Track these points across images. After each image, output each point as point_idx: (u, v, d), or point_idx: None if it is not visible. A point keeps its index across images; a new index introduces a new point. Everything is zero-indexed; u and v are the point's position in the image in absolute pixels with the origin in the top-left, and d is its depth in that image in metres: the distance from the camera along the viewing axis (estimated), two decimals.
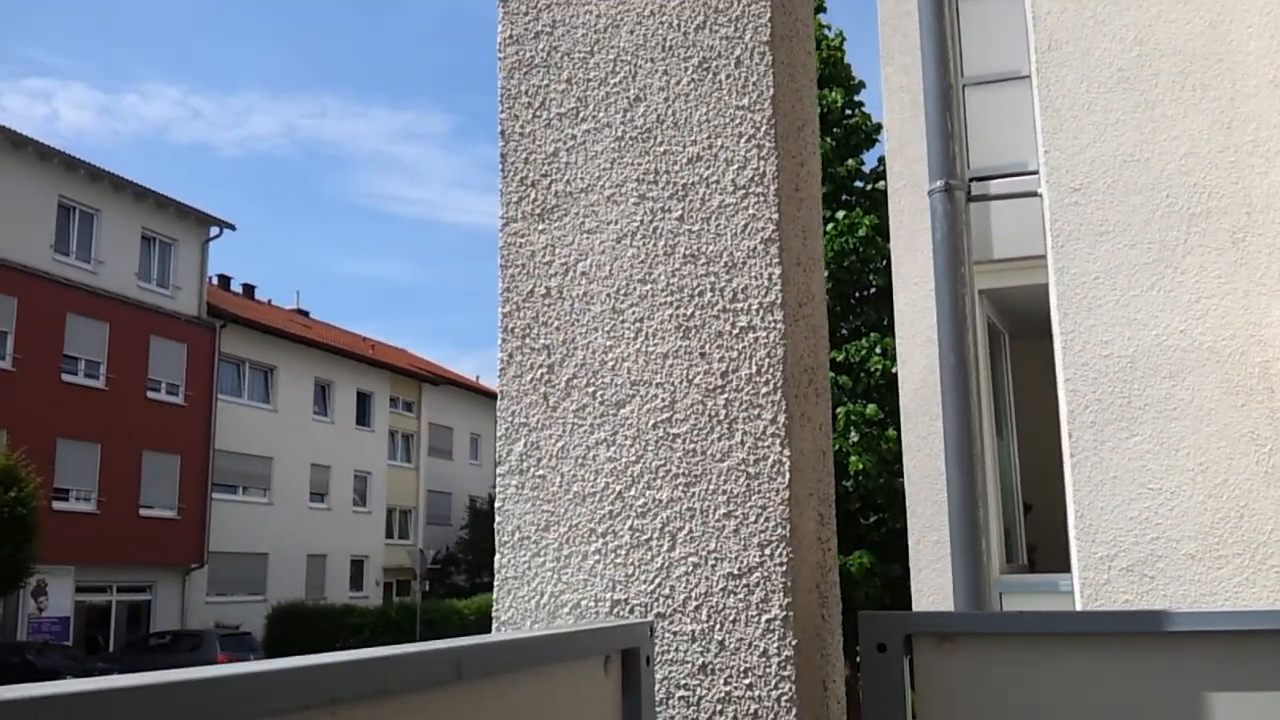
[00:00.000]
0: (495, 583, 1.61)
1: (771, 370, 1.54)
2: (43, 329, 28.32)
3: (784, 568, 1.48)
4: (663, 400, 1.57)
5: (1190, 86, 4.45)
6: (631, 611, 1.53)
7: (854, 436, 16.19)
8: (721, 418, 1.54)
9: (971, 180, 4.82)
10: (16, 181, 28.32)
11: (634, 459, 1.56)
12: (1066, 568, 4.81)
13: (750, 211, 1.57)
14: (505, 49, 1.73)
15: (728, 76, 1.62)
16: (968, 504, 4.34)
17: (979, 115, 7.10)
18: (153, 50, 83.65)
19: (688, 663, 1.49)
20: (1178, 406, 4.23)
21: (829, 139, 18.14)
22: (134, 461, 30.67)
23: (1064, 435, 4.40)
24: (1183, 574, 4.10)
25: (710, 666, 1.48)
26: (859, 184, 19.30)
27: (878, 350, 17.10)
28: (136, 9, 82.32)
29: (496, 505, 1.63)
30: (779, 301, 1.55)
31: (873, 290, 18.40)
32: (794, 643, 1.46)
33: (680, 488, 1.54)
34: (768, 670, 1.46)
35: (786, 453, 1.51)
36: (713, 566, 1.51)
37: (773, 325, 1.54)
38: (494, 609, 1.61)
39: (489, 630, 1.55)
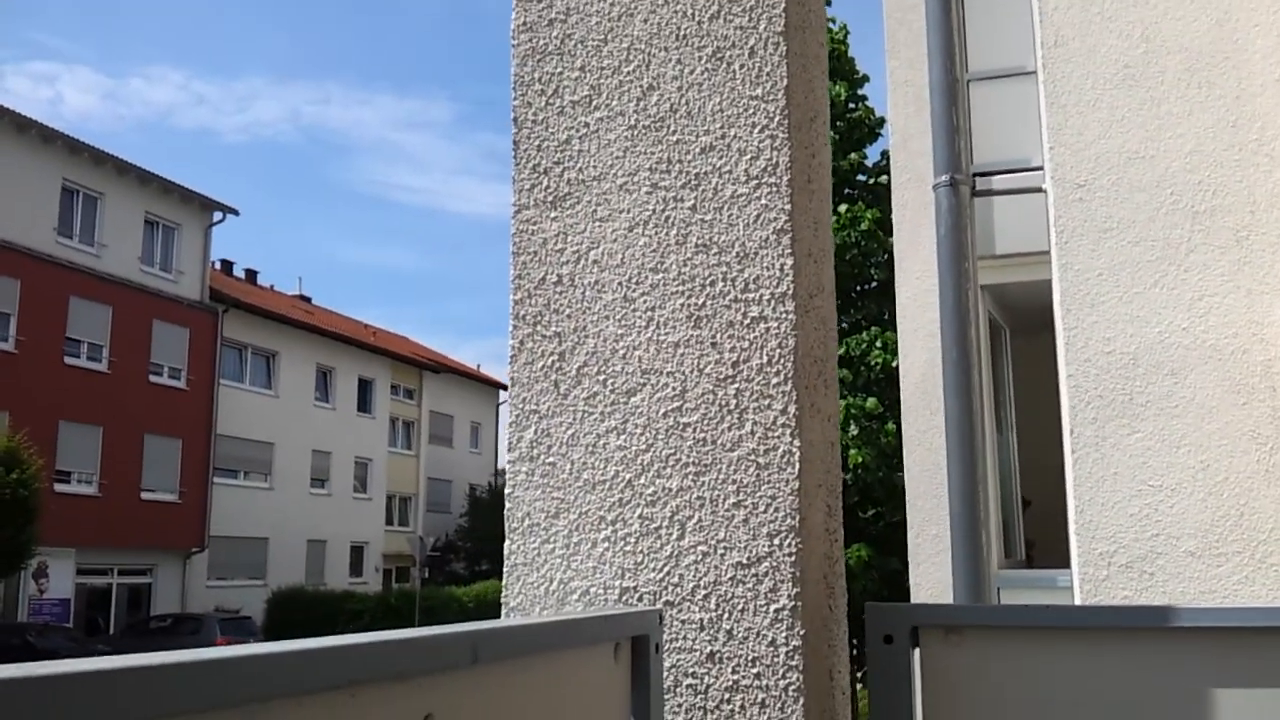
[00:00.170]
0: (504, 569, 1.62)
1: (782, 361, 1.54)
2: (45, 312, 28.33)
3: (793, 558, 1.49)
4: (673, 389, 1.57)
5: (1196, 84, 4.45)
6: (640, 599, 1.54)
7: (854, 430, 16.21)
8: (732, 407, 1.55)
9: (975, 176, 4.82)
10: (20, 164, 28.30)
11: (644, 447, 1.57)
12: (1064, 563, 4.82)
13: (763, 202, 1.58)
14: (519, 36, 1.73)
15: (741, 66, 1.62)
16: (968, 498, 4.34)
17: (982, 110, 7.10)
18: (157, 35, 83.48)
19: (696, 651, 1.50)
20: (1179, 404, 4.24)
21: (832, 133, 18.09)
22: (136, 445, 30.71)
23: (1065, 431, 4.41)
24: (1182, 571, 4.11)
25: (718, 655, 1.49)
26: (861, 178, 19.28)
27: (878, 344, 17.10)
28: None
29: (506, 492, 1.64)
30: (790, 292, 1.55)
31: (874, 284, 18.39)
32: (802, 633, 1.47)
33: (690, 477, 1.54)
34: (775, 659, 1.47)
35: (797, 443, 1.52)
36: (722, 555, 1.52)
37: (784, 316, 1.55)
38: (503, 595, 1.62)
39: (488, 618, 1.56)
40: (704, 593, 1.51)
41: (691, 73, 1.64)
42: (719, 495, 1.53)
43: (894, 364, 13.64)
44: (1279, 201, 4.27)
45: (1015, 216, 7.11)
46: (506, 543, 1.62)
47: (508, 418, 1.66)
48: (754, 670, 1.47)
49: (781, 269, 1.56)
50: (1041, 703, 1.27)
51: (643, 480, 1.56)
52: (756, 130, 1.60)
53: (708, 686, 1.48)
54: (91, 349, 30.01)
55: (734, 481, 1.53)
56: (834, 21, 19.05)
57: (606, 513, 1.57)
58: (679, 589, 1.52)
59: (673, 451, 1.56)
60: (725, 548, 1.52)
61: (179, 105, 79.86)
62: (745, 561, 1.51)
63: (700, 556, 1.52)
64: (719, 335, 1.57)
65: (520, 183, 1.70)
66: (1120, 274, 4.40)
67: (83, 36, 76.42)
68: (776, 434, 1.53)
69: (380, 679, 0.81)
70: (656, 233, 1.62)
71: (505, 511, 1.63)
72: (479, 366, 50.88)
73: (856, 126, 19.13)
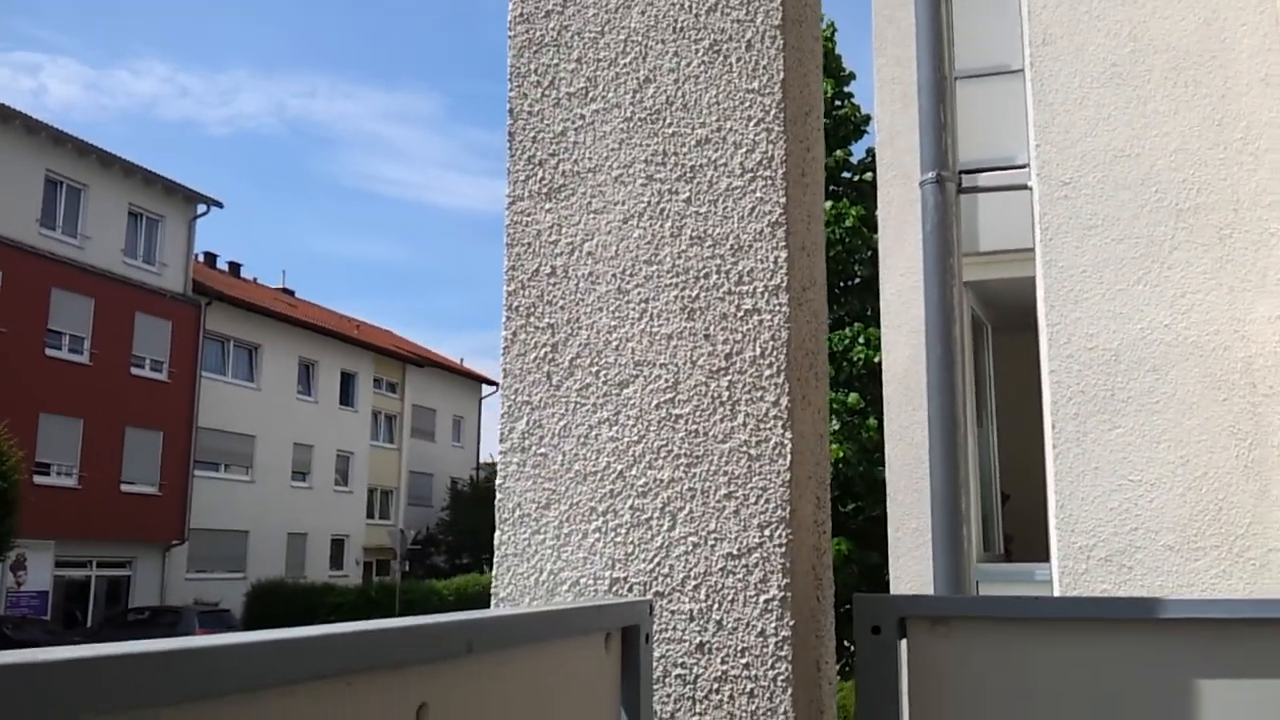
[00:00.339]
0: (495, 559, 1.62)
1: (775, 353, 1.55)
2: (27, 303, 28.11)
3: (783, 549, 1.50)
4: (666, 381, 1.58)
5: (1182, 83, 4.48)
6: (630, 590, 1.54)
7: (835, 425, 16.26)
8: (724, 399, 1.55)
9: (961, 173, 4.84)
10: (3, 155, 28.07)
11: (636, 439, 1.58)
12: (1042, 558, 4.86)
13: (758, 195, 1.58)
14: (515, 27, 1.73)
15: (738, 60, 1.63)
16: (950, 492, 4.37)
17: (968, 108, 7.12)
18: (141, 26, 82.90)
19: (685, 641, 1.50)
20: (1160, 400, 4.27)
21: None
22: (116, 437, 30.52)
23: (1047, 426, 4.43)
24: (1161, 565, 4.15)
25: (708, 645, 1.50)
26: (846, 175, 19.34)
27: (861, 340, 17.17)
28: None
29: (498, 482, 1.64)
30: (784, 285, 1.56)
31: (857, 280, 18.46)
32: (791, 623, 1.48)
33: (682, 468, 1.55)
34: (765, 650, 1.48)
35: (788, 435, 1.52)
36: (712, 546, 1.52)
37: (777, 308, 1.55)
38: (493, 585, 1.62)
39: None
40: (694, 583, 1.52)
41: (688, 65, 1.64)
42: (710, 486, 1.54)
43: (876, 360, 13.68)
44: (1262, 200, 4.31)
45: (999, 213, 7.15)
46: (497, 533, 1.62)
47: (500, 408, 1.66)
48: (743, 660, 1.48)
49: (775, 262, 1.57)
50: (1027, 693, 1.29)
51: (634, 471, 1.57)
52: (752, 123, 1.60)
53: (697, 677, 1.49)
54: (73, 341, 29.79)
55: (725, 473, 1.53)
56: (822, 19, 19.08)
57: (598, 504, 1.58)
58: (669, 580, 1.53)
59: (664, 443, 1.56)
60: (716, 539, 1.52)
61: (163, 97, 79.34)
62: (735, 552, 1.51)
63: (691, 547, 1.53)
64: (712, 327, 1.57)
65: (515, 174, 1.70)
66: (1104, 271, 4.43)
67: (67, 27, 75.80)
68: (768, 426, 1.53)
69: (375, 668, 0.81)
70: (651, 225, 1.62)
71: (496, 502, 1.63)
72: (462, 360, 50.75)
73: (842, 124, 19.18)
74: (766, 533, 1.50)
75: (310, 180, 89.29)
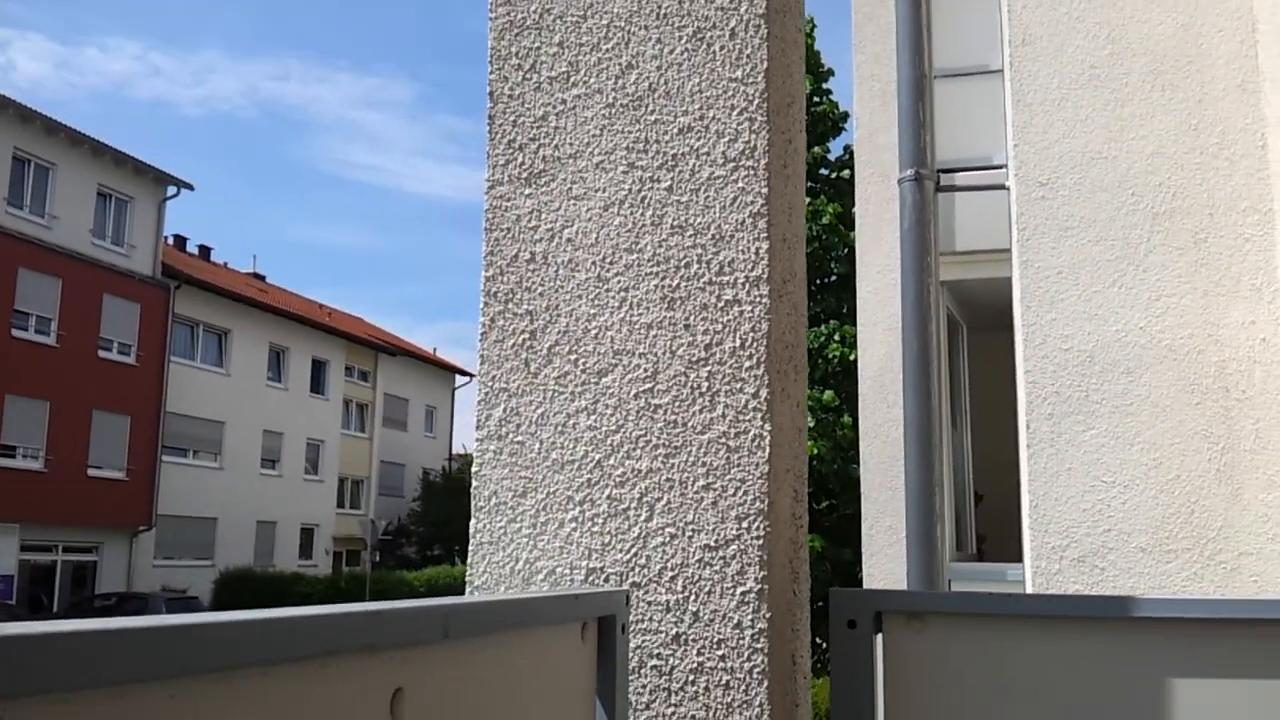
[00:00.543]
0: (470, 547, 1.60)
1: (755, 345, 1.54)
2: None
3: (760, 541, 1.49)
4: (645, 370, 1.56)
5: (1160, 87, 4.51)
6: (606, 580, 1.53)
7: (810, 421, 16.31)
8: (704, 390, 1.54)
9: (939, 172, 4.85)
10: None
11: (614, 428, 1.56)
12: (1014, 558, 4.88)
13: (740, 185, 1.57)
14: (496, 9, 1.71)
15: (721, 48, 1.61)
16: (924, 491, 4.39)
17: (947, 107, 7.14)
18: (112, 3, 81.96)
19: (661, 632, 1.49)
20: (1134, 402, 4.30)
21: None
22: (83, 421, 30.21)
23: (1021, 426, 4.46)
24: (1132, 566, 4.18)
25: (684, 637, 1.49)
26: (824, 172, 19.38)
27: (836, 337, 17.22)
28: None
29: (474, 470, 1.62)
30: (765, 276, 1.55)
31: (834, 278, 18.51)
32: (768, 616, 1.47)
33: (660, 458, 1.54)
34: (741, 642, 1.47)
35: (767, 427, 1.51)
36: (690, 538, 1.51)
37: (758, 300, 1.54)
38: (468, 573, 1.60)
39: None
40: (671, 574, 1.51)
41: (671, 52, 1.63)
42: (688, 477, 1.52)
43: (851, 357, 13.73)
44: (1237, 205, 4.34)
45: (976, 213, 7.17)
46: (472, 521, 1.60)
47: (477, 395, 1.64)
48: (719, 652, 1.47)
49: (756, 253, 1.55)
50: (1002, 689, 1.28)
51: (612, 461, 1.55)
52: (735, 113, 1.59)
53: (673, 668, 1.48)
54: (40, 322, 29.46)
55: (704, 464, 1.52)
56: (804, 16, 19.09)
57: (575, 493, 1.56)
58: (646, 570, 1.52)
59: (643, 433, 1.55)
60: (693, 530, 1.51)
61: (135, 76, 78.56)
62: (713, 544, 1.50)
63: (668, 538, 1.52)
64: (692, 317, 1.56)
65: (495, 158, 1.67)
66: (1080, 272, 4.45)
67: (37, 3, 74.83)
68: (747, 418, 1.52)
69: (350, 651, 0.79)
70: (632, 213, 1.60)
71: (472, 489, 1.61)
72: (435, 350, 50.74)
73: (820, 120, 19.21)
74: (744, 525, 1.49)
75: (283, 164, 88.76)
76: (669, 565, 1.51)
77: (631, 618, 1.49)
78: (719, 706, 1.45)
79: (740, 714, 1.45)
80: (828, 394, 16.51)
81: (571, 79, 1.66)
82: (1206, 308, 4.29)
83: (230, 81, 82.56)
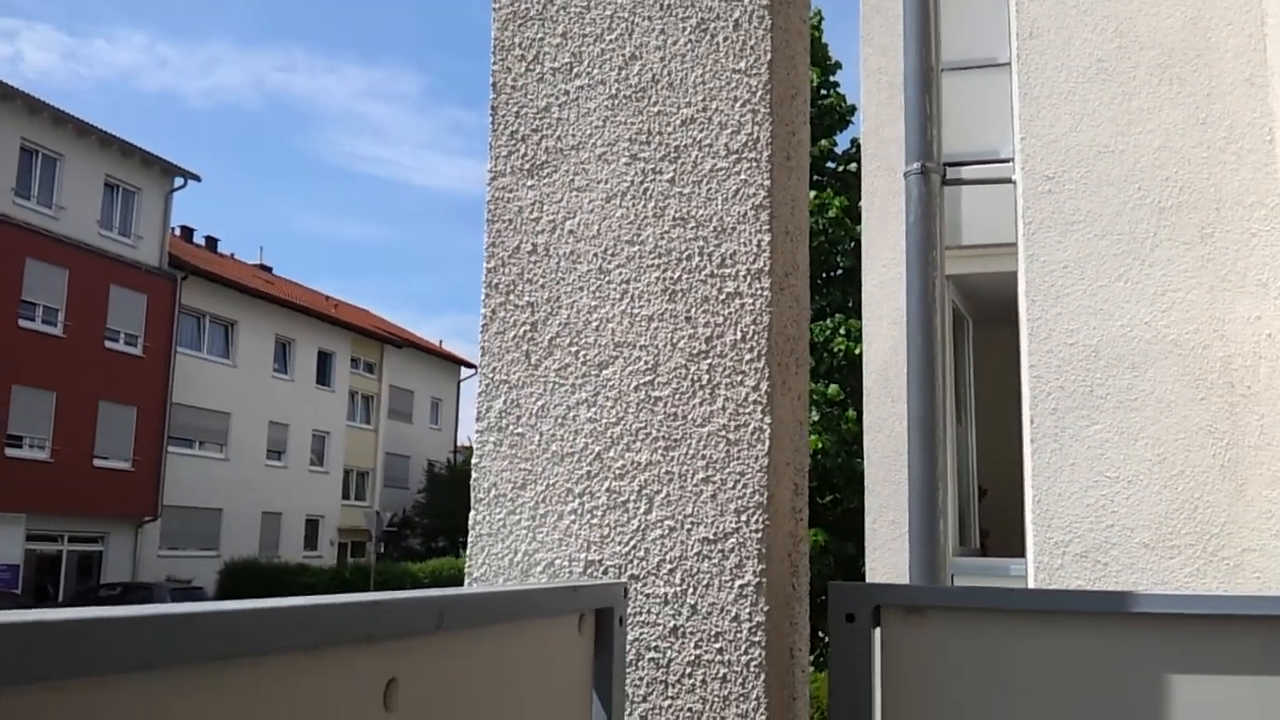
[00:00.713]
0: (469, 539, 1.60)
1: (756, 337, 1.53)
2: (1, 273, 27.81)
3: (759, 535, 1.49)
4: (646, 363, 1.56)
5: (1168, 80, 4.49)
6: (605, 572, 1.53)
7: (815, 416, 16.30)
8: (704, 382, 1.54)
9: (945, 165, 4.84)
10: None
11: (614, 420, 1.56)
12: (1018, 553, 4.87)
13: (743, 177, 1.57)
14: (500, 0, 1.71)
15: (725, 39, 1.60)
16: (928, 485, 4.38)
17: (954, 101, 7.12)
18: None
19: (659, 625, 1.49)
20: (1139, 397, 4.29)
21: None
22: (90, 411, 30.28)
23: (1025, 421, 4.45)
24: (1135, 562, 4.17)
25: (681, 629, 1.48)
26: (831, 165, 19.34)
27: (842, 331, 17.20)
28: None
29: (474, 462, 1.62)
30: (767, 269, 1.54)
31: (840, 271, 18.49)
32: (766, 609, 1.47)
33: (660, 451, 1.53)
34: (738, 635, 1.47)
35: (767, 420, 1.51)
36: (688, 531, 1.51)
37: (759, 292, 1.54)
38: (467, 565, 1.60)
39: None
40: (669, 567, 1.50)
41: (675, 43, 1.62)
42: (688, 470, 1.52)
43: (857, 351, 13.71)
44: (1244, 200, 4.32)
45: (982, 207, 7.15)
46: (472, 513, 1.60)
47: (477, 387, 1.64)
48: (716, 645, 1.47)
49: (758, 245, 1.55)
50: (1001, 684, 1.28)
51: (612, 453, 1.55)
52: (738, 104, 1.58)
53: (670, 660, 1.48)
54: (47, 312, 29.51)
55: (703, 457, 1.52)
56: (810, 4, 19.05)
57: (574, 485, 1.56)
58: (644, 563, 1.51)
59: (643, 425, 1.55)
60: (692, 523, 1.51)
61: (142, 67, 78.64)
62: (712, 537, 1.50)
63: (667, 531, 1.52)
64: (693, 310, 1.56)
65: (497, 149, 1.67)
66: (1085, 267, 4.43)
67: None
68: (748, 410, 1.52)
69: (344, 641, 0.79)
70: (634, 204, 1.60)
71: (471, 481, 1.61)
72: (441, 342, 50.64)
73: (827, 113, 19.17)
74: (743, 518, 1.49)
75: (289, 156, 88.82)
76: (667, 558, 1.51)
77: (629, 610, 1.49)
78: (715, 699, 1.45)
79: (737, 707, 1.45)
80: (832, 388, 16.49)
81: (574, 70, 1.66)
82: (1212, 303, 4.28)
83: (237, 73, 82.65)
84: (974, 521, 8.14)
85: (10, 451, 27.49)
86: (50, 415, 29.19)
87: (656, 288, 1.57)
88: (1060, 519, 4.27)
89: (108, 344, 31.16)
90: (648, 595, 1.50)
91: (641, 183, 1.60)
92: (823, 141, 19.10)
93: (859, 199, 7.96)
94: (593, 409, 1.57)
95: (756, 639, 1.46)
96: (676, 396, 1.54)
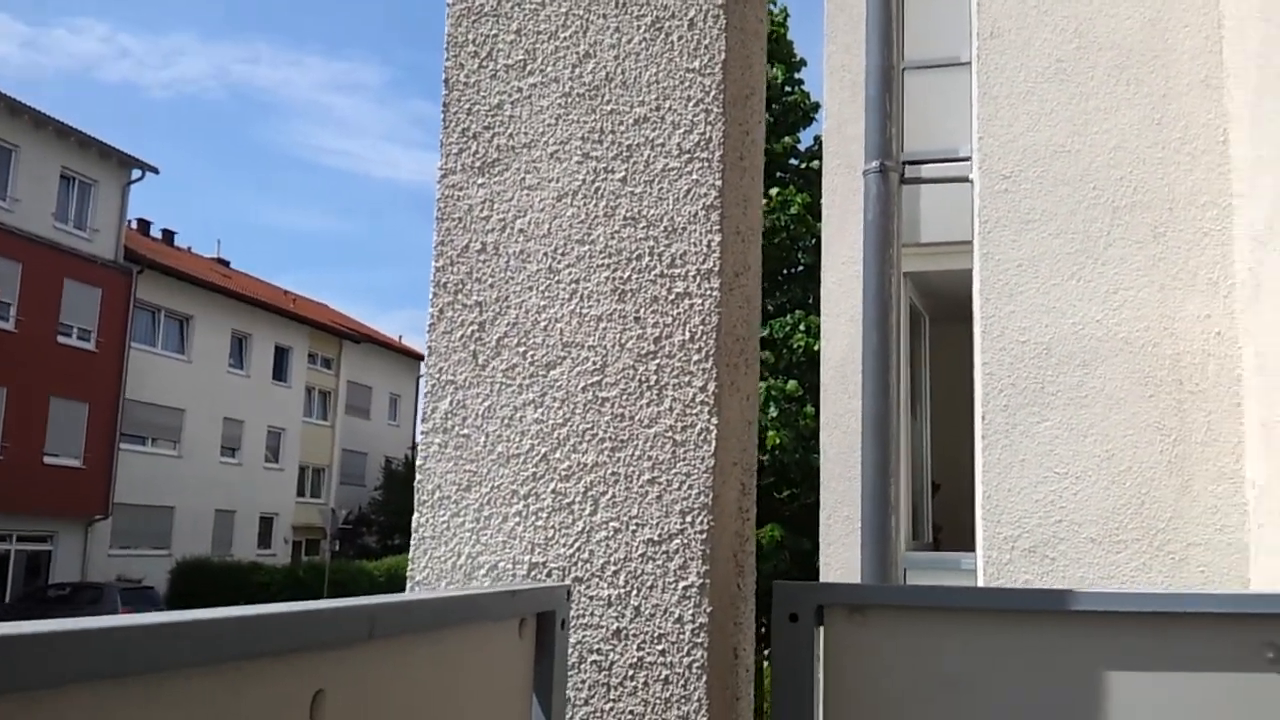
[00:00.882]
0: (412, 542, 1.58)
1: (705, 338, 1.53)
2: None
3: (704, 535, 1.48)
4: (594, 363, 1.55)
5: (1125, 81, 4.53)
6: (549, 575, 1.51)
7: (773, 411, 16.37)
8: (652, 383, 1.53)
9: (905, 163, 4.86)
10: None
11: (561, 421, 1.54)
12: (970, 547, 4.92)
13: (694, 177, 1.56)
14: None
15: (680, 38, 1.59)
16: (880, 481, 4.40)
17: (914, 99, 7.16)
18: None
19: (602, 627, 1.48)
20: (1089, 394, 4.33)
21: (768, 115, 18.17)
22: (40, 407, 29.77)
23: (977, 417, 4.48)
24: (1082, 556, 4.21)
25: (624, 632, 1.47)
26: (793, 162, 19.42)
27: (801, 327, 17.28)
28: None
29: (418, 463, 1.60)
30: (716, 269, 1.53)
31: (800, 268, 18.58)
32: (709, 610, 1.46)
33: (606, 452, 1.52)
34: (681, 637, 1.46)
35: (714, 421, 1.50)
36: (633, 532, 1.50)
37: (709, 293, 1.53)
38: (409, 568, 1.58)
39: (400, 592, 1.53)
40: (614, 569, 1.49)
41: (629, 41, 1.61)
42: (634, 471, 1.51)
43: (816, 348, 13.78)
44: (1197, 200, 4.37)
45: (941, 205, 7.21)
46: (415, 515, 1.58)
47: (423, 387, 1.62)
48: (659, 647, 1.46)
49: (709, 245, 1.54)
50: (944, 682, 1.29)
51: (558, 455, 1.54)
52: (692, 104, 1.58)
53: (612, 663, 1.47)
54: None
55: (650, 458, 1.51)
56: (774, 4, 19.10)
57: (519, 487, 1.54)
58: (589, 565, 1.50)
59: (590, 426, 1.54)
60: (637, 524, 1.50)
61: (103, 58, 77.47)
62: (656, 538, 1.49)
63: (612, 533, 1.51)
64: (643, 310, 1.55)
65: (448, 146, 1.65)
66: (1040, 265, 4.47)
67: None
68: (695, 411, 1.51)
69: (267, 654, 0.77)
70: (585, 204, 1.59)
71: (415, 483, 1.59)
72: (400, 337, 50.32)
73: (791, 110, 19.25)
74: (688, 519, 1.48)
75: (250, 148, 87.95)
76: (612, 560, 1.50)
77: (573, 613, 1.48)
78: (657, 701, 1.44)
79: (678, 709, 1.44)
80: (791, 384, 16.57)
81: (528, 67, 1.64)
82: (1163, 301, 4.33)
83: (200, 64, 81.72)
84: (927, 516, 8.21)
85: None
86: (0, 412, 28.68)
87: (606, 287, 1.56)
88: (1010, 514, 4.30)
89: (60, 339, 30.65)
90: (591, 598, 1.49)
91: (593, 182, 1.59)
92: (786, 138, 19.17)
93: (821, 196, 7.98)
94: (539, 409, 1.55)
95: (699, 640, 1.45)
96: (624, 397, 1.53)
